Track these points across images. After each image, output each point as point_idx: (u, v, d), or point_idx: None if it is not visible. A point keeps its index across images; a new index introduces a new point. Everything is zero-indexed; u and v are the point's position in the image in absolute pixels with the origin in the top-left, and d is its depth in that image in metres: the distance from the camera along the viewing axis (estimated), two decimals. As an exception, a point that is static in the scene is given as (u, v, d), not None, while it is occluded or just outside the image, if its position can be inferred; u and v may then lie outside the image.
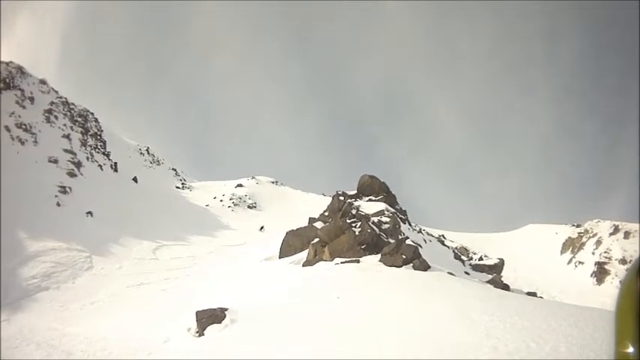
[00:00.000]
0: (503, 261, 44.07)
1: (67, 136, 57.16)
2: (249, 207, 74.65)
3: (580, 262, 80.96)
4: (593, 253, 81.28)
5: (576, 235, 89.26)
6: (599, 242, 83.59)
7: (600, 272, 73.81)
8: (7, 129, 47.27)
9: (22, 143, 47.45)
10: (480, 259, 47.92)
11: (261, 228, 48.43)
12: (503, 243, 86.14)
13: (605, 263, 75.86)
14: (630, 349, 1.52)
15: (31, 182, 40.36)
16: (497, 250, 65.66)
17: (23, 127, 50.17)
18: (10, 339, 18.88)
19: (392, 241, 27.21)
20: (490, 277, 33.57)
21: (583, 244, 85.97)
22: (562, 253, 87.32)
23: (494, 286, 24.29)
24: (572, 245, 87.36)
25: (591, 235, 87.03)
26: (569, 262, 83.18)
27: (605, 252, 79.80)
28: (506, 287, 27.62)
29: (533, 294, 28.46)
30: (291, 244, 34.21)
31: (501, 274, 39.67)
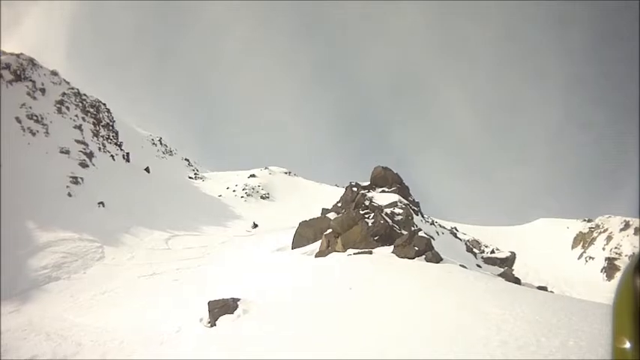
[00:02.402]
0: (514, 254, 43.91)
1: (79, 127, 56.93)
2: (262, 197, 74.67)
3: (590, 258, 79.86)
4: (603, 249, 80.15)
5: (587, 230, 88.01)
6: (609, 238, 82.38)
7: (610, 268, 72.67)
8: (18, 120, 47.02)
9: (33, 134, 47.20)
10: (492, 252, 47.70)
11: (255, 226, 47.38)
12: (514, 236, 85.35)
13: (615, 259, 74.73)
14: (627, 345, 1.55)
15: (42, 173, 40.17)
16: (509, 244, 65.08)
17: (34, 118, 49.89)
18: (19, 329, 18.69)
19: (405, 232, 27.04)
20: (502, 270, 33.65)
21: (594, 239, 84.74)
22: (573, 248, 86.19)
23: (506, 280, 24.05)
24: (583, 240, 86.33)
25: (602, 230, 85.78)
26: (580, 257, 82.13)
27: (616, 247, 78.56)
28: (517, 281, 27.45)
29: (543, 288, 28.27)
30: (304, 234, 34.04)
31: (513, 268, 39.54)
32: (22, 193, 34.64)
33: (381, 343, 11.67)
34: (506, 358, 9.11)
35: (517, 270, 42.31)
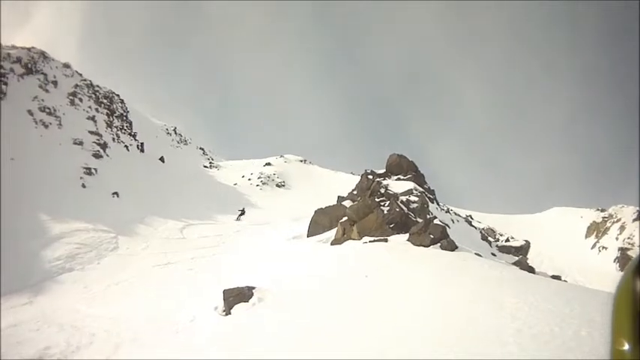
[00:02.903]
0: (529, 243, 43.99)
1: (92, 118, 56.94)
2: (277, 186, 74.63)
3: (604, 247, 79.67)
4: (616, 239, 79.89)
5: (601, 219, 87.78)
6: (622, 228, 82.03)
7: (623, 258, 72.17)
8: (30, 113, 46.93)
9: (46, 127, 47.11)
10: (507, 240, 47.75)
11: (242, 212, 46.33)
12: (528, 225, 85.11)
13: (628, 249, 74.28)
14: (626, 347, 1.53)
15: (55, 165, 40.13)
16: (523, 232, 64.77)
17: (47, 110, 49.78)
18: (32, 321, 18.50)
19: (420, 220, 26.98)
20: (516, 259, 33.84)
21: (607, 229, 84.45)
22: (586, 237, 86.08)
23: (520, 268, 24.19)
24: (597, 230, 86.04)
25: (615, 220, 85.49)
26: (593, 246, 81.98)
27: (629, 238, 78.20)
28: (531, 270, 27.70)
29: (557, 277, 28.29)
30: (320, 222, 34.21)
31: (527, 257, 39.51)
32: (36, 184, 34.58)
33: (397, 332, 11.60)
34: (521, 350, 9.00)
35: (531, 259, 42.40)
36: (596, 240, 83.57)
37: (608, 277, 55.96)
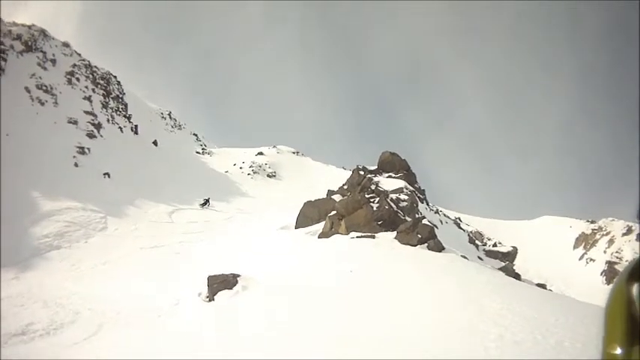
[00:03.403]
0: (516, 249, 44.22)
1: (88, 98, 56.93)
2: (268, 176, 74.58)
3: (591, 260, 79.55)
4: (604, 252, 79.84)
5: (590, 231, 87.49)
6: (611, 241, 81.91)
7: (610, 272, 72.13)
8: (27, 90, 46.97)
9: (42, 104, 47.19)
10: (494, 245, 47.92)
11: (205, 202, 45.52)
12: (517, 231, 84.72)
13: (615, 263, 74.17)
14: (618, 351, 1.58)
15: (49, 142, 40.19)
16: (511, 239, 64.80)
17: (44, 88, 49.83)
18: (18, 297, 18.66)
19: (409, 219, 27.11)
20: (503, 264, 33.87)
21: (596, 241, 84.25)
22: (575, 248, 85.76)
23: (506, 274, 24.26)
24: (585, 241, 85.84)
25: (605, 233, 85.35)
26: (581, 257, 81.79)
27: (617, 252, 78.10)
28: (517, 276, 27.87)
29: (542, 286, 28.51)
30: (308, 215, 34.16)
31: (514, 263, 39.69)
32: (28, 161, 34.65)
33: (377, 330, 11.64)
34: (501, 355, 9.07)
35: (518, 265, 42.89)
36: (584, 251, 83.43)
37: (593, 289, 56.26)
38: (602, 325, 1.68)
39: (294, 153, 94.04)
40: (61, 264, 24.03)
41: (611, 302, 1.69)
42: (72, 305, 18.40)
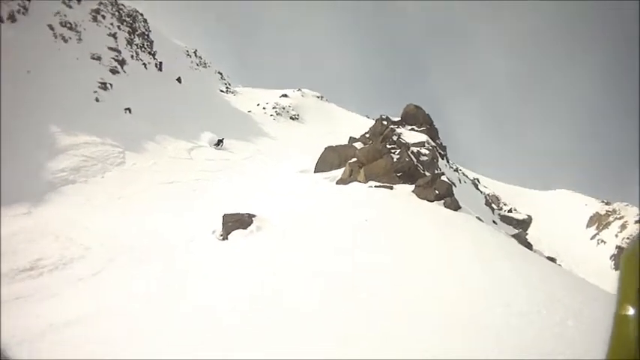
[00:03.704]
0: (531, 218, 44.48)
1: (113, 35, 56.32)
2: (291, 118, 74.37)
3: (603, 241, 78.30)
4: (616, 236, 78.65)
5: (604, 212, 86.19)
6: (624, 226, 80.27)
7: (620, 256, 71.52)
8: (51, 27, 46.16)
9: (65, 41, 46.52)
10: (510, 211, 48.05)
11: (219, 142, 43.22)
12: (532, 200, 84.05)
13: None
14: (630, 312, 1.57)
15: (70, 78, 39.80)
16: (526, 207, 64.80)
17: (68, 25, 48.96)
18: (28, 231, 18.61)
19: (428, 174, 26.98)
20: (516, 231, 34.08)
21: (609, 223, 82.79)
22: (587, 226, 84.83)
23: (518, 242, 23.89)
24: (599, 222, 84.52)
25: (618, 216, 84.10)
26: (593, 237, 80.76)
27: (628, 238, 76.87)
28: (529, 246, 27.76)
29: (552, 259, 28.46)
30: (328, 160, 34.10)
31: (527, 232, 39.57)
32: (49, 96, 34.38)
33: (387, 281, 11.47)
34: (506, 324, 8.85)
35: (530, 235, 42.42)
36: (596, 232, 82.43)
37: (602, 271, 55.33)
38: (612, 300, 1.66)
39: (318, 97, 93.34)
40: (76, 198, 23.97)
41: (625, 265, 1.69)
42: (83, 240, 18.39)
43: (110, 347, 9.34)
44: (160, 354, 8.62)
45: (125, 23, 63.44)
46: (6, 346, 8.73)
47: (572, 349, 7.98)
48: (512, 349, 7.85)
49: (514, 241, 22.37)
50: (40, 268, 15.48)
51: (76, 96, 37.39)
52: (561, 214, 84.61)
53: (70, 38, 47.36)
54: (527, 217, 43.87)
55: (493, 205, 43.72)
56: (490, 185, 68.67)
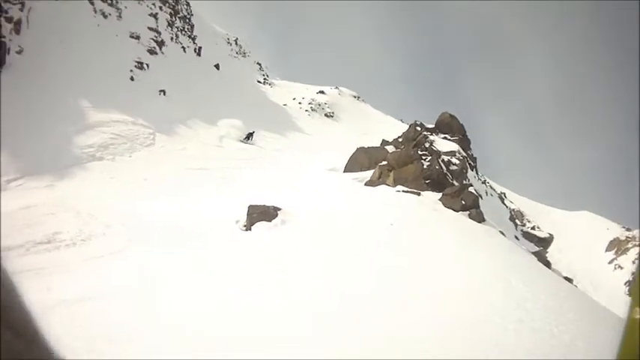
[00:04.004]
0: (552, 237, 44.26)
1: (154, 15, 56.34)
2: (326, 115, 74.38)
3: (620, 267, 76.80)
4: (633, 262, 77.69)
5: (624, 238, 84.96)
6: None
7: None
8: (91, 2, 46.12)
9: (105, 17, 46.37)
10: (533, 228, 47.85)
11: (249, 136, 41.39)
12: (555, 219, 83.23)
13: (641, 277, 72.36)
14: None
15: (107, 54, 39.66)
16: (549, 225, 64.21)
17: (108, 1, 49.02)
18: (48, 205, 18.32)
19: (456, 183, 27.10)
20: (537, 249, 34.13)
21: (627, 249, 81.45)
22: (606, 250, 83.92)
23: (538, 260, 23.52)
24: (618, 247, 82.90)
25: (637, 243, 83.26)
26: (611, 262, 79.85)
27: None
28: (548, 264, 27.42)
29: (569, 280, 28.15)
30: (359, 160, 34.06)
31: (547, 250, 39.61)
32: (83, 71, 34.23)
33: (407, 286, 11.57)
34: (519, 340, 9.06)
35: (550, 253, 42.62)
36: (614, 256, 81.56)
37: (615, 297, 54.33)
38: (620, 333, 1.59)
39: (355, 97, 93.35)
40: (101, 175, 23.78)
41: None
42: (104, 218, 17.99)
43: (121, 328, 9.12)
44: (169, 339, 8.57)
45: (167, 5, 63.55)
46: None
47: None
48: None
49: (534, 259, 22.13)
50: (58, 242, 15.08)
51: (111, 73, 37.31)
52: (582, 235, 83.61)
53: (110, 14, 47.30)
54: (549, 235, 43.79)
55: (517, 221, 43.73)
56: (516, 200, 68.30)
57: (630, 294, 1.61)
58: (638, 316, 1.51)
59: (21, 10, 33.17)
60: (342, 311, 9.92)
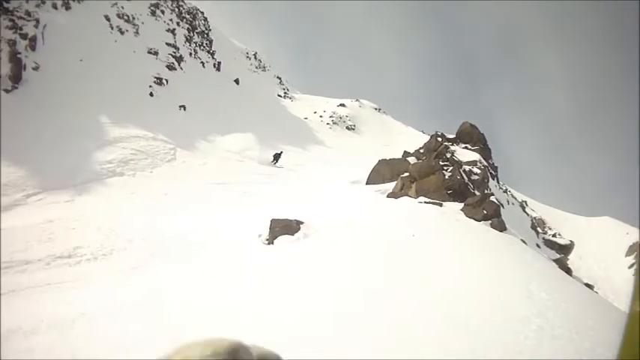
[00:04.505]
0: (573, 244, 44.42)
1: (172, 31, 56.77)
2: (347, 128, 74.58)
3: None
4: None
5: None
6: None
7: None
8: (107, 18, 46.35)
9: (122, 33, 46.70)
10: (554, 235, 47.67)
11: (276, 158, 38.96)
12: (576, 226, 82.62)
13: (658, 282, 71.77)
14: None
15: (125, 70, 39.92)
16: (570, 232, 63.66)
17: (125, 17, 49.30)
18: (69, 219, 18.22)
19: (478, 193, 26.90)
20: (558, 256, 34.38)
21: None
22: (626, 255, 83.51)
23: (559, 267, 23.48)
24: (637, 252, 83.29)
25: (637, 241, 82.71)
26: (630, 266, 79.58)
27: None
28: (568, 271, 27.71)
29: (590, 287, 28.16)
30: (381, 172, 34.47)
31: (568, 257, 39.68)
32: (102, 87, 34.35)
33: (429, 296, 11.37)
34: (538, 347, 8.93)
35: (571, 260, 42.79)
36: (633, 261, 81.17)
37: None
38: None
39: (376, 109, 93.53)
40: (121, 191, 23.63)
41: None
42: (126, 233, 17.80)
43: (141, 342, 9.01)
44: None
45: (185, 20, 64.17)
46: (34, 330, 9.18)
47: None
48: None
49: (555, 266, 22.12)
50: (78, 257, 14.90)
51: (130, 89, 37.50)
52: (603, 241, 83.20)
53: (127, 31, 47.70)
54: (569, 242, 43.66)
55: (538, 229, 43.73)
56: (537, 208, 67.92)
57: (634, 287, 1.53)
58: (638, 309, 1.49)
59: (35, 26, 33.40)
60: (367, 313, 10.02)
